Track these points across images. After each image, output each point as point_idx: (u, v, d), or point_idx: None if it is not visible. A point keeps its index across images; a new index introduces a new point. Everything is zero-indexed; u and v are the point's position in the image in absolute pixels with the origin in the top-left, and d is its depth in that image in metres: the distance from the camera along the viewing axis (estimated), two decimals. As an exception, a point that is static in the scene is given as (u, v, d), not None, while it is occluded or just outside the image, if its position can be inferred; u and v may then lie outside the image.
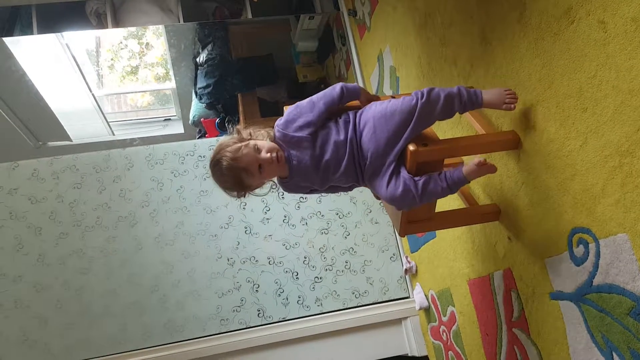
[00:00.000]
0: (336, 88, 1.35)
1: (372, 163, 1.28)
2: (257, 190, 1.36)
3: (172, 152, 2.72)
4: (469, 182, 1.33)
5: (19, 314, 2.40)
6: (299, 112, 1.31)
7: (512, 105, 1.33)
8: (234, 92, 3.68)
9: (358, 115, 1.33)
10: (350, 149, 1.29)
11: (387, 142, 1.26)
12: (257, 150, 1.26)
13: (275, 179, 1.38)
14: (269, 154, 1.26)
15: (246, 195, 1.35)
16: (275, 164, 1.27)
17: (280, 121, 1.32)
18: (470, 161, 1.30)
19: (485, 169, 1.30)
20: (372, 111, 1.30)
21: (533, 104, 1.30)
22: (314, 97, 1.34)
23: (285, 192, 1.44)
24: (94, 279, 2.48)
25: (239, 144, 1.28)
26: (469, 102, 1.32)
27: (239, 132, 1.33)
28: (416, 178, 1.25)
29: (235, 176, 1.28)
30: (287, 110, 1.34)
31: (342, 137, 1.30)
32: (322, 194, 1.51)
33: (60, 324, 2.41)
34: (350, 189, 1.49)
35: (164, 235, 2.58)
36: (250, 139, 1.31)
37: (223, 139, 1.34)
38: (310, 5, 3.56)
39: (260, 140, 1.31)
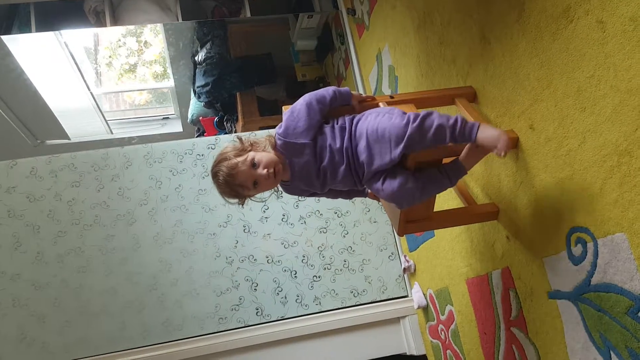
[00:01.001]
0: (329, 90, 1.35)
1: (369, 172, 1.29)
2: (258, 195, 1.37)
3: (170, 151, 2.71)
4: (467, 171, 1.34)
5: (17, 312, 2.40)
6: (296, 117, 1.30)
7: (503, 153, 1.21)
8: (232, 91, 3.68)
9: (354, 123, 1.32)
10: (347, 158, 1.30)
11: (382, 156, 1.25)
12: (254, 165, 1.26)
13: None
14: (265, 171, 1.26)
15: (244, 204, 1.37)
16: (271, 179, 1.28)
17: (280, 130, 1.32)
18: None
19: (481, 151, 1.30)
20: (365, 125, 1.28)
21: (531, 103, 1.30)
22: (307, 98, 1.33)
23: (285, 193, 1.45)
24: (92, 277, 2.48)
25: (236, 160, 1.27)
26: (460, 137, 1.23)
27: (240, 140, 1.32)
28: (416, 174, 1.26)
29: (231, 190, 1.30)
30: (284, 116, 1.33)
31: (337, 144, 1.30)
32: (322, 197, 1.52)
33: (58, 322, 2.41)
34: (349, 195, 1.52)
35: (163, 233, 2.58)
36: (250, 150, 1.30)
37: (224, 147, 1.33)
38: (309, 4, 3.56)
39: (260, 151, 1.30)
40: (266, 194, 1.38)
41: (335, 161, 1.30)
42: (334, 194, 1.48)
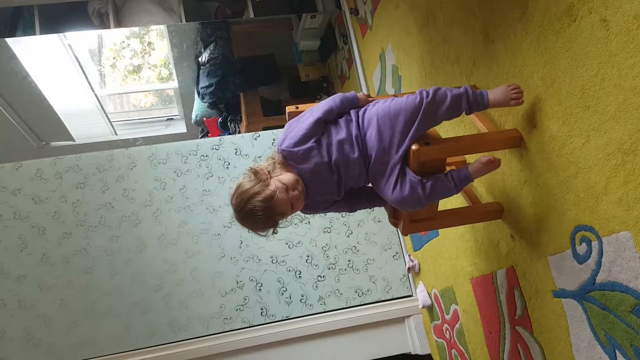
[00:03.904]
0: (335, 99, 1.34)
1: (376, 162, 1.28)
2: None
3: (174, 152, 2.72)
4: (473, 180, 1.34)
5: (24, 314, 2.41)
6: (298, 125, 1.29)
7: (520, 100, 1.33)
8: (236, 92, 3.69)
9: (361, 113, 1.32)
10: (358, 146, 1.28)
11: (391, 142, 1.25)
12: (286, 190, 1.24)
13: None
14: (296, 191, 1.25)
15: (276, 231, 1.33)
16: (302, 198, 1.27)
17: (282, 140, 1.30)
18: (476, 160, 1.30)
19: (492, 165, 1.31)
20: (375, 110, 1.29)
21: (535, 102, 1.30)
22: (313, 107, 1.33)
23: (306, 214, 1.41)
24: (97, 279, 2.49)
25: (271, 191, 1.23)
26: (474, 103, 1.31)
27: (255, 174, 1.26)
28: (424, 180, 1.25)
29: (271, 221, 1.28)
30: (285, 126, 1.32)
31: (344, 135, 1.29)
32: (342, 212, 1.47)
33: (64, 323, 2.42)
34: (370, 203, 1.46)
35: (167, 234, 2.58)
36: (270, 177, 1.26)
37: (243, 185, 1.27)
38: (312, 4, 3.56)
39: (278, 175, 1.27)
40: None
41: (345, 152, 1.28)
42: (352, 202, 1.44)
